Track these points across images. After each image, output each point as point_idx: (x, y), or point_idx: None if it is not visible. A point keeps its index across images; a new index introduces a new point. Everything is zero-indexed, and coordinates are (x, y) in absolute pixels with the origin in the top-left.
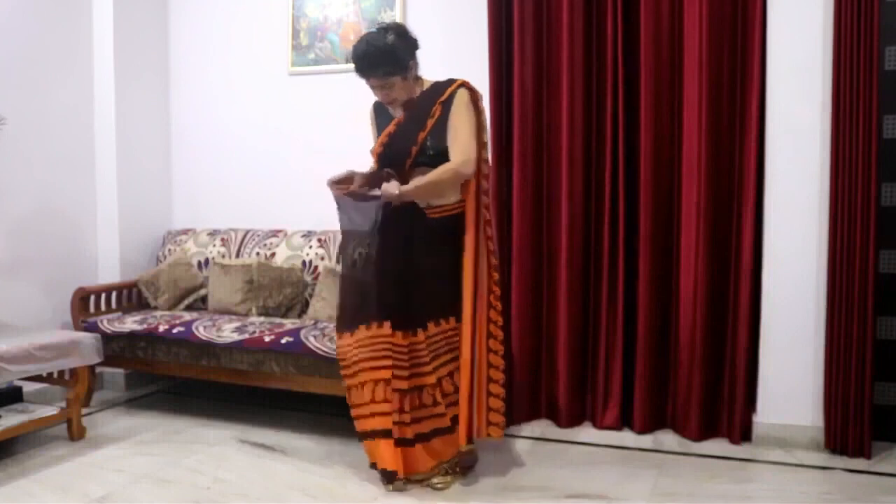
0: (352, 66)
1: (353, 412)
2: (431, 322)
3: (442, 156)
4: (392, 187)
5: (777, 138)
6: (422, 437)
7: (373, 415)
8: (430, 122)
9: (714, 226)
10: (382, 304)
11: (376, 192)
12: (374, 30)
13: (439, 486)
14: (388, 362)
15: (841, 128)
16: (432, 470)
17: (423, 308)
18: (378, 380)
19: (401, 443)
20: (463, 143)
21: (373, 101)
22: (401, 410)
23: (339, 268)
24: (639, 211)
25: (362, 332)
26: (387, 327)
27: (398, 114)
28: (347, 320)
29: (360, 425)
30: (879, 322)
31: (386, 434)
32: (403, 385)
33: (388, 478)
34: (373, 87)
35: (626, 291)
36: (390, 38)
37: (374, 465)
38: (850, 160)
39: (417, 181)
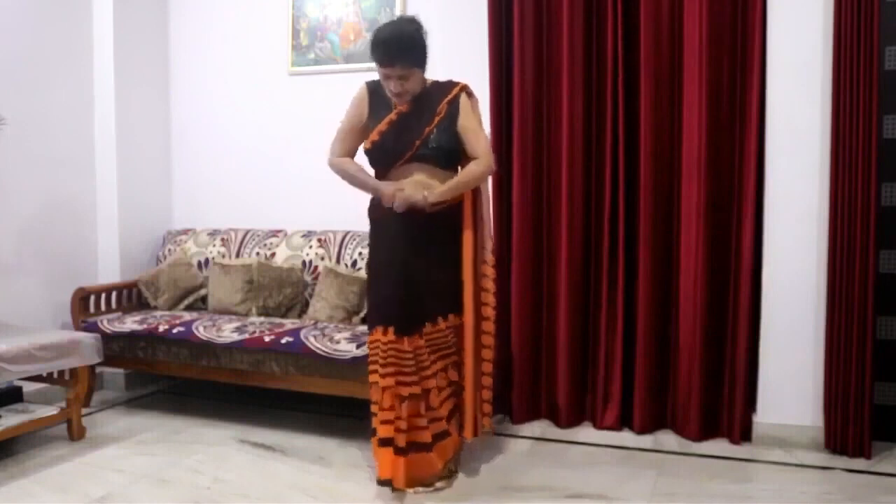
0: (349, 66)
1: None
2: (429, 323)
3: (442, 152)
4: (414, 195)
5: (777, 138)
6: (435, 439)
7: (383, 422)
8: (436, 119)
9: (714, 226)
10: (390, 307)
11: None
12: (393, 20)
13: (440, 486)
14: (393, 369)
15: (841, 128)
16: (440, 472)
17: (424, 310)
18: (386, 387)
19: (409, 448)
20: (485, 141)
21: (367, 81)
22: (412, 416)
23: (340, 267)
24: (639, 211)
25: (378, 335)
26: (390, 333)
27: (395, 105)
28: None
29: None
30: (879, 322)
31: (387, 443)
32: (416, 390)
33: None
34: (389, 77)
35: (626, 291)
36: (415, 27)
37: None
38: (850, 160)
39: (449, 184)
